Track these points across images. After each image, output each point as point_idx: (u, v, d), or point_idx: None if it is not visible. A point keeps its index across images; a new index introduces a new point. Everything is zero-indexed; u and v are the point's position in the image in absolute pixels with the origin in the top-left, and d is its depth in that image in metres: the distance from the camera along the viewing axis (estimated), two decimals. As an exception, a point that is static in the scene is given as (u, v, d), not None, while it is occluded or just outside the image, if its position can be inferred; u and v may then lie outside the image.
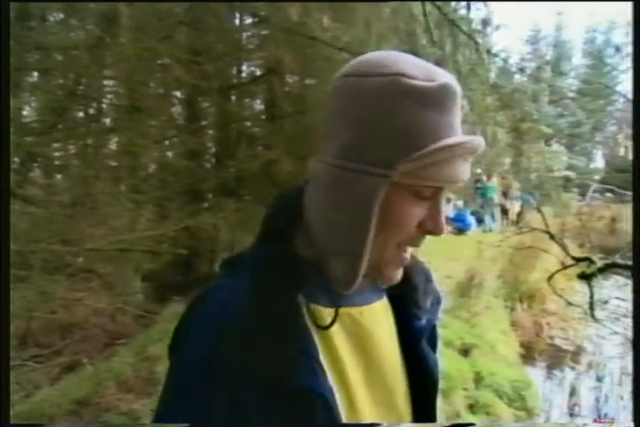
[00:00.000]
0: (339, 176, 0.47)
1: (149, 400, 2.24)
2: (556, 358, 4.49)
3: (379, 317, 0.55)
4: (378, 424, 0.51)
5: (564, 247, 4.45)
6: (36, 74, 3.17)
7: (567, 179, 11.01)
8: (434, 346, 0.62)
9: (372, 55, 0.49)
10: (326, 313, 0.49)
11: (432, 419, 0.58)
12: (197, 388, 0.44)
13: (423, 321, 0.58)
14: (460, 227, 8.86)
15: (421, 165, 0.44)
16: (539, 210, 5.86)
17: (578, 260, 4.21)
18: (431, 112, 0.45)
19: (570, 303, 4.62)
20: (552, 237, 4.60)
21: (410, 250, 0.51)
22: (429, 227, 0.48)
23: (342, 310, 0.50)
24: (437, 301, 0.63)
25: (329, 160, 0.48)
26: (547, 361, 4.50)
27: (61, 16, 3.20)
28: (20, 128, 2.75)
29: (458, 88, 0.47)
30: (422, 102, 0.45)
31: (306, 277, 0.48)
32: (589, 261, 4.03)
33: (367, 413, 0.50)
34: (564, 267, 4.43)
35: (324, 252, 0.49)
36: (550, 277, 4.51)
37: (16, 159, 2.94)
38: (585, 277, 4.04)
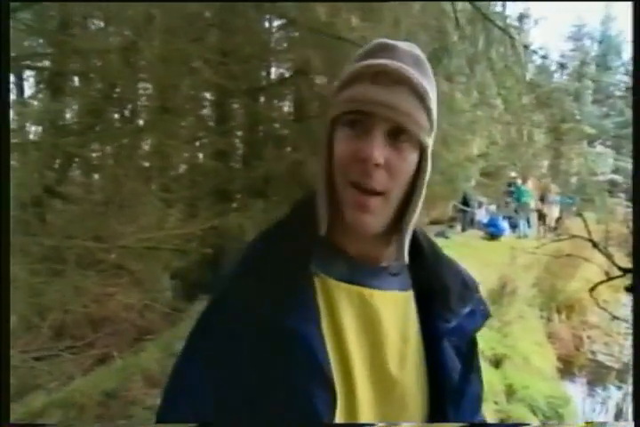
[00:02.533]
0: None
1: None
2: (599, 375, 4.20)
3: (392, 305, 0.54)
4: (372, 425, 0.50)
5: (608, 256, 4.13)
6: (76, 78, 3.34)
7: (613, 183, 10.34)
8: (467, 359, 0.58)
9: None
10: (334, 284, 0.52)
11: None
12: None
13: (451, 324, 0.55)
14: (492, 232, 8.51)
15: (336, 91, 0.51)
16: (580, 216, 5.51)
17: (625, 271, 3.90)
18: (361, 62, 0.51)
19: (615, 317, 4.30)
20: (595, 245, 4.29)
21: (374, 198, 0.49)
22: (360, 154, 0.48)
23: (353, 288, 0.52)
24: (481, 313, 0.59)
25: None
26: (587, 377, 4.21)
27: (101, 24, 3.36)
28: (61, 130, 2.91)
29: (390, 42, 0.53)
30: (354, 61, 0.53)
31: (317, 248, 0.52)
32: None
33: (361, 385, 0.50)
34: (610, 278, 4.12)
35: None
36: (593, 288, 4.22)
37: (57, 160, 3.11)
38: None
